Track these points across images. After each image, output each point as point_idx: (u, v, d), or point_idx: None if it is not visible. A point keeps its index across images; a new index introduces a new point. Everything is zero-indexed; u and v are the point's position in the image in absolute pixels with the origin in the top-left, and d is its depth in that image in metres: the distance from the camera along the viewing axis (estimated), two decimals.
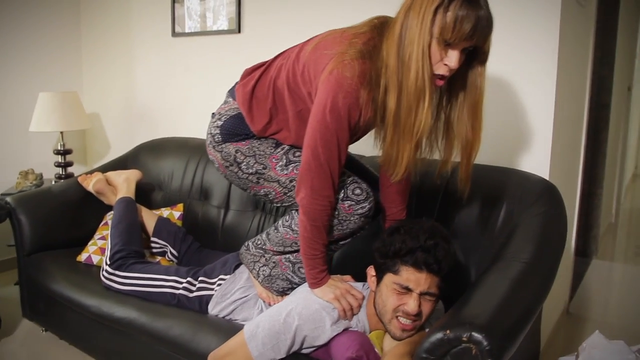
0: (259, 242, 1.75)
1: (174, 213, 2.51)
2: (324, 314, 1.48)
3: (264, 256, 1.73)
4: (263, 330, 1.48)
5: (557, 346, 2.41)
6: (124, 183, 2.45)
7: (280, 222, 1.69)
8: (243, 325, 1.59)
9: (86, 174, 2.59)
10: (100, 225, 2.44)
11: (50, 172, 3.23)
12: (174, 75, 3.06)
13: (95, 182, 2.47)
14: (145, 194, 2.63)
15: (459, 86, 1.41)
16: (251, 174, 1.62)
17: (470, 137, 1.42)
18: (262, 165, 1.61)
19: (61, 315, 2.18)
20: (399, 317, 1.41)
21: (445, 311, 1.57)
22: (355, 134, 1.45)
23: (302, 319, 1.47)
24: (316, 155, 1.40)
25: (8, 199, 2.36)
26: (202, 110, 2.93)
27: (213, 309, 1.82)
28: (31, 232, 2.32)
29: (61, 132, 3.10)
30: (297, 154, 1.59)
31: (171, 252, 2.30)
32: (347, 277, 1.66)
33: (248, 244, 1.80)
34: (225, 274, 1.87)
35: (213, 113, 1.70)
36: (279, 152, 1.60)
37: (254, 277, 1.76)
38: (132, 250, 2.10)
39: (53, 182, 3.02)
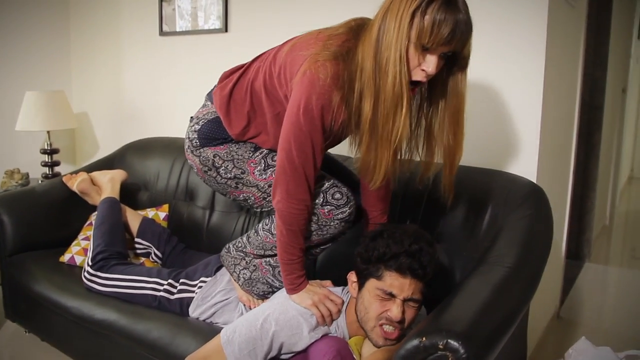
0: (239, 245, 1.72)
1: (159, 214, 2.47)
2: (301, 320, 1.45)
3: (245, 259, 1.70)
4: (240, 335, 1.45)
5: (546, 351, 2.38)
6: (109, 183, 2.42)
7: (260, 225, 1.66)
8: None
9: (71, 173, 2.55)
10: (85, 226, 2.41)
11: (37, 172, 3.19)
12: (162, 74, 3.03)
13: (80, 182, 2.43)
14: (131, 194, 2.59)
15: (439, 92, 1.38)
16: (230, 178, 1.59)
17: (452, 144, 1.40)
18: (240, 170, 1.58)
19: (42, 317, 2.15)
20: (382, 326, 1.38)
21: None
22: (330, 138, 1.42)
23: (279, 325, 1.44)
24: (290, 158, 1.37)
25: None
26: (189, 110, 2.84)
27: (194, 312, 1.79)
28: (13, 232, 2.29)
29: (48, 132, 3.06)
30: (275, 158, 1.56)
31: (155, 254, 2.27)
32: (327, 283, 1.63)
33: (229, 247, 1.77)
34: (207, 277, 1.84)
35: (191, 117, 1.67)
36: (257, 156, 1.57)
37: (235, 280, 1.73)
38: (115, 252, 2.07)
39: (40, 182, 2.98)
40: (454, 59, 1.30)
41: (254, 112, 1.54)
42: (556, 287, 2.67)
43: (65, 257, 2.27)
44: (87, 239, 2.31)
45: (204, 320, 1.77)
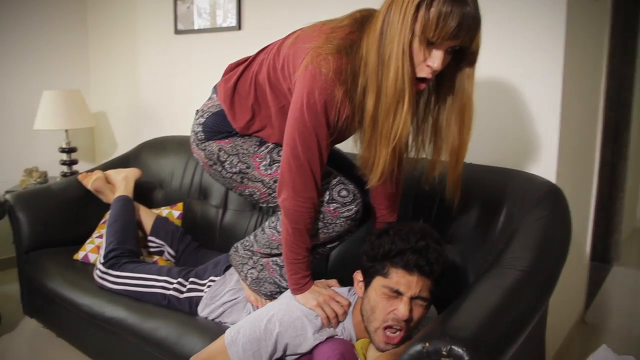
0: (247, 244, 1.70)
1: (174, 212, 2.47)
2: (305, 321, 1.42)
3: (252, 258, 1.67)
4: (244, 336, 1.42)
5: (568, 357, 2.30)
6: (123, 181, 2.43)
7: (267, 222, 1.63)
8: None
9: (87, 172, 2.57)
10: (100, 224, 2.42)
11: (56, 170, 3.22)
12: (176, 73, 3.02)
13: (94, 180, 2.44)
14: (146, 193, 2.59)
15: (447, 88, 1.33)
16: (235, 173, 1.56)
17: (456, 143, 1.34)
18: (245, 165, 1.55)
19: (57, 313, 2.17)
20: (386, 330, 1.33)
21: None
22: (335, 133, 1.37)
23: (283, 326, 1.41)
24: (296, 155, 1.34)
25: (7, 196, 2.35)
26: None
27: (202, 311, 1.77)
28: (30, 229, 2.31)
29: (66, 131, 3.09)
30: (281, 153, 1.53)
31: (168, 252, 2.26)
32: (332, 282, 1.59)
33: (237, 246, 1.75)
34: (216, 276, 1.82)
35: (197, 110, 1.64)
36: (262, 150, 1.54)
37: (242, 279, 1.71)
38: (126, 250, 2.07)
39: (58, 180, 3.01)
40: (462, 54, 1.25)
41: (258, 105, 1.51)
42: (580, 291, 2.58)
43: (80, 255, 2.28)
44: (101, 237, 2.31)
45: (212, 320, 1.76)
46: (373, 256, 1.37)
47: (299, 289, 1.47)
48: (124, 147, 3.39)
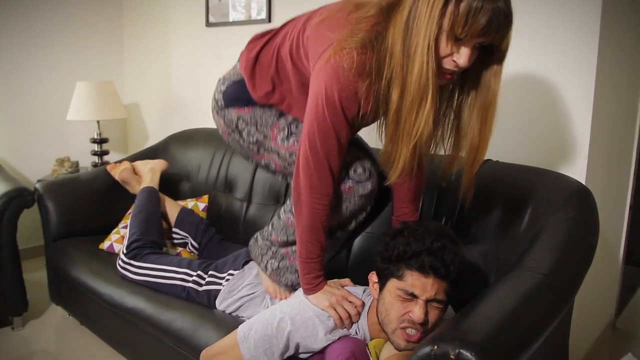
0: (265, 234, 1.68)
1: (199, 204, 2.48)
2: (317, 322, 1.40)
3: (271, 249, 1.65)
4: (256, 332, 1.41)
5: None
6: (149, 173, 2.45)
7: (282, 208, 1.61)
8: None
9: (115, 163, 2.60)
10: (126, 215, 2.45)
11: (88, 161, 3.28)
12: (207, 65, 3.04)
13: (121, 170, 2.47)
14: (173, 185, 2.62)
15: (471, 82, 1.28)
16: (252, 142, 1.55)
17: (475, 141, 1.29)
18: (262, 135, 1.53)
19: (81, 301, 2.21)
20: (404, 328, 1.30)
21: None
22: (356, 125, 1.34)
23: (294, 325, 1.39)
24: (314, 150, 1.31)
25: (37, 185, 2.40)
26: None
27: (220, 305, 1.77)
28: (57, 218, 2.36)
29: (98, 121, 3.14)
30: (300, 125, 1.49)
31: (192, 244, 2.28)
32: (346, 281, 1.56)
33: (256, 236, 1.73)
34: (235, 269, 1.82)
35: (219, 78, 1.64)
36: (281, 122, 1.51)
37: (262, 270, 1.69)
38: (149, 241, 2.09)
39: (88, 170, 3.07)
40: (490, 50, 1.20)
41: (278, 78, 1.48)
42: (612, 295, 2.49)
43: (105, 245, 2.32)
44: (126, 227, 2.34)
45: (229, 314, 1.75)
46: (387, 257, 1.34)
47: (311, 289, 1.45)
48: (155, 138, 3.43)
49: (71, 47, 3.33)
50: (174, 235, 2.31)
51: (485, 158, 1.41)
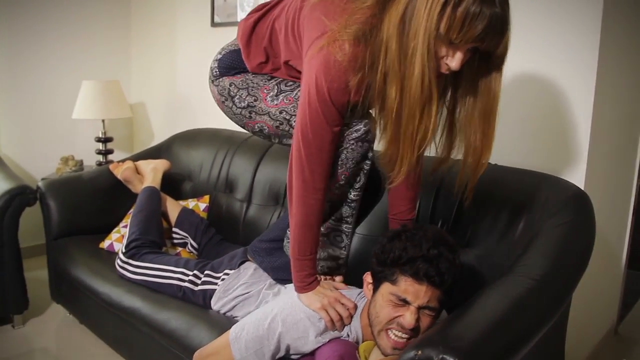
0: (289, 233, 1.64)
1: (200, 204, 2.48)
2: (308, 324, 1.39)
3: None
4: (248, 333, 1.41)
5: None
6: (151, 172, 2.46)
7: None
8: None
9: (119, 162, 2.62)
10: (128, 214, 2.46)
11: (92, 160, 3.30)
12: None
13: (124, 170, 2.49)
14: (176, 184, 2.63)
15: (468, 87, 1.27)
16: (244, 107, 1.55)
17: (479, 145, 1.28)
18: (253, 97, 1.53)
19: (80, 300, 2.22)
20: (389, 331, 1.29)
21: None
22: (346, 118, 1.33)
23: (285, 327, 1.39)
24: (307, 142, 1.30)
25: (39, 183, 2.42)
26: None
27: (215, 304, 1.77)
28: (59, 216, 2.38)
29: (103, 120, 3.16)
30: (290, 83, 1.49)
31: (191, 244, 2.28)
32: (339, 284, 1.54)
33: (288, 234, 1.67)
34: (231, 269, 1.82)
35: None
36: (271, 82, 1.52)
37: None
38: (148, 240, 2.09)
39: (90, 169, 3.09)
40: (488, 55, 1.18)
41: (272, 49, 1.49)
42: (614, 300, 2.46)
43: (105, 244, 2.33)
44: (127, 226, 2.35)
45: (224, 313, 1.75)
46: (383, 261, 1.33)
47: (303, 288, 1.44)
48: (160, 138, 3.44)
49: (78, 45, 3.35)
50: (174, 235, 2.32)
51: None
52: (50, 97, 3.28)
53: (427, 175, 1.54)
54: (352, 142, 1.39)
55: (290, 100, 1.46)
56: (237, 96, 1.55)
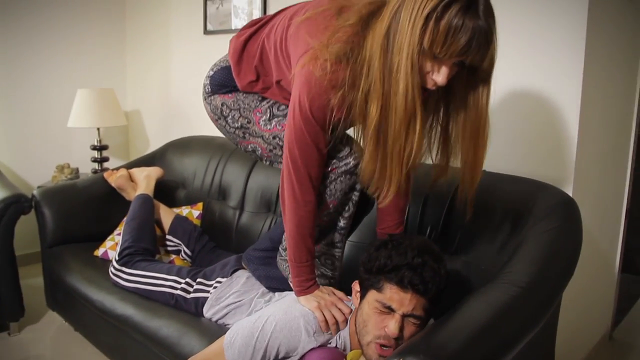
0: (284, 244, 1.64)
1: (193, 212, 2.50)
2: (301, 322, 1.41)
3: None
4: (242, 338, 1.42)
5: None
6: (144, 180, 2.47)
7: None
8: None
9: (112, 170, 2.63)
10: (122, 221, 2.47)
11: (88, 168, 3.32)
12: (205, 73, 3.04)
13: (118, 177, 2.50)
14: (170, 192, 2.64)
15: (458, 102, 1.27)
16: (237, 128, 1.57)
17: (471, 159, 1.30)
18: (246, 119, 1.55)
19: (74, 307, 2.23)
20: (381, 345, 1.30)
21: None
22: (330, 131, 1.34)
23: (279, 325, 1.40)
24: (294, 158, 1.33)
25: (34, 191, 2.43)
26: None
27: (207, 312, 1.78)
28: (54, 224, 2.39)
29: (98, 128, 3.17)
30: (282, 107, 1.51)
31: (185, 252, 2.29)
32: (341, 294, 1.55)
33: (280, 251, 1.70)
34: (223, 277, 1.83)
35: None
36: (263, 105, 1.53)
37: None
38: (141, 248, 2.10)
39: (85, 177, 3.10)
40: (474, 69, 1.18)
41: (263, 68, 1.50)
42: (608, 305, 2.46)
43: (100, 252, 2.34)
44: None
45: (216, 321, 1.76)
46: (369, 269, 1.35)
47: (303, 291, 1.47)
48: (156, 145, 3.45)
49: (73, 54, 3.37)
50: (168, 243, 2.33)
51: None
52: (46, 105, 3.29)
53: (423, 187, 1.55)
54: (341, 175, 1.44)
55: (283, 127, 1.48)
56: (230, 116, 1.57)
